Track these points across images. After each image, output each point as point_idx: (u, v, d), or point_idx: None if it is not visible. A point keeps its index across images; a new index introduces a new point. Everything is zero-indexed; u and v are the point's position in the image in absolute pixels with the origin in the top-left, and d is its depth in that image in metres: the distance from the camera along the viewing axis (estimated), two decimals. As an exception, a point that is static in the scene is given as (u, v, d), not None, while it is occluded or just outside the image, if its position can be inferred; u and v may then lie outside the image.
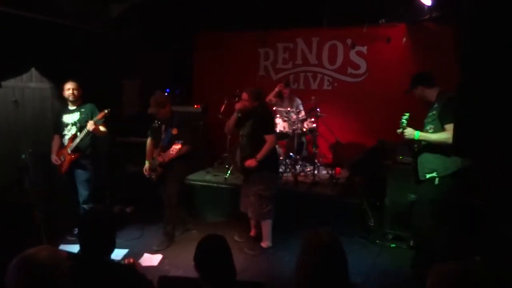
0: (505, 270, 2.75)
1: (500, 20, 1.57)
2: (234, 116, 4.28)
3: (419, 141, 3.45)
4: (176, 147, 4.00)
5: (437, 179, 3.34)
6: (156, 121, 4.45)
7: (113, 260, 2.18)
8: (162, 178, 4.36)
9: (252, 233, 4.63)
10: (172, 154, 4.02)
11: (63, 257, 1.62)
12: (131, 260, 2.29)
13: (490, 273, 1.33)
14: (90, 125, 4.24)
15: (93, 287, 1.90)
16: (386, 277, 3.82)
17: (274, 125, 4.69)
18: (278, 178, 4.82)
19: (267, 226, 4.36)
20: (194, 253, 1.92)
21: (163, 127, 4.38)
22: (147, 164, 4.45)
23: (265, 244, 4.38)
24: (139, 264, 2.34)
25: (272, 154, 4.32)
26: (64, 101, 4.57)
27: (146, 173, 4.44)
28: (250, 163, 4.13)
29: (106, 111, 4.31)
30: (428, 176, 3.39)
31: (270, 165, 4.28)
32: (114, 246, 2.09)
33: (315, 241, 1.76)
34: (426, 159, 3.45)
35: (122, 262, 2.33)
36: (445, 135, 3.19)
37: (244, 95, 4.23)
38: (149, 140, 4.54)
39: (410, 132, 3.38)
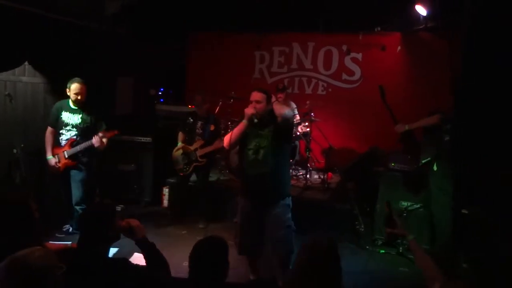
0: (495, 278, 2.79)
1: (498, 32, 1.63)
2: (244, 124, 3.23)
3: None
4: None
5: (435, 165, 3.85)
6: (189, 118, 4.99)
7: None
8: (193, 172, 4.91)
9: (254, 276, 3.63)
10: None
11: (56, 259, 1.58)
12: (124, 223, 2.21)
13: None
14: (97, 142, 4.18)
15: (85, 281, 1.89)
16: (375, 282, 3.84)
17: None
18: None
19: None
20: (191, 251, 1.90)
21: (199, 123, 4.93)
22: (181, 162, 4.87)
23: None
24: (132, 223, 2.25)
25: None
26: (58, 96, 4.50)
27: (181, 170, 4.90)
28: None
29: (116, 131, 4.35)
30: (424, 161, 3.99)
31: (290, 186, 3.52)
32: (112, 240, 2.11)
33: (316, 245, 1.80)
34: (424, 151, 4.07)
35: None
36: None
37: (258, 95, 3.23)
38: (181, 135, 4.98)
39: (399, 126, 4.13)
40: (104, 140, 4.25)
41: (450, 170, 3.84)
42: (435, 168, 3.90)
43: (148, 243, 2.21)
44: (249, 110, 3.21)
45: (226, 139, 3.34)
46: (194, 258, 1.89)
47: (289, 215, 3.31)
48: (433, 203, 4.01)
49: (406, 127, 4.12)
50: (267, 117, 3.25)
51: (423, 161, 4.01)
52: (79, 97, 4.23)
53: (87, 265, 1.94)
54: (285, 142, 3.33)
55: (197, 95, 5.04)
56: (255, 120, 3.22)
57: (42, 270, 1.48)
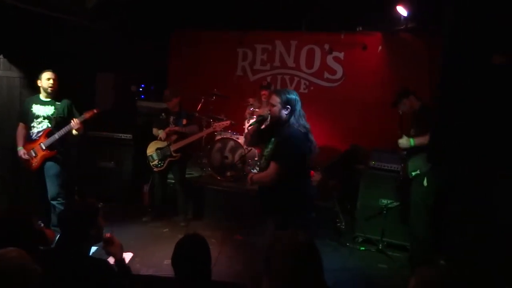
0: (470, 274, 2.87)
1: (478, 34, 1.67)
2: (254, 125, 3.11)
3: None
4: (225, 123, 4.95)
5: (425, 180, 3.67)
6: (162, 114, 4.98)
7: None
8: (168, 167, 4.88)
9: None
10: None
11: (32, 261, 1.57)
12: (108, 235, 2.21)
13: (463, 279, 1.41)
14: (76, 124, 4.06)
15: (66, 280, 1.86)
16: (355, 279, 3.90)
17: (292, 152, 2.91)
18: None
19: None
20: (173, 251, 1.89)
21: (172, 118, 4.90)
22: (155, 158, 4.87)
23: None
24: (114, 239, 2.23)
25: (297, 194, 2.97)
26: (35, 91, 4.35)
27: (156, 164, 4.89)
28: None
29: (95, 110, 4.23)
30: (413, 173, 3.77)
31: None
32: (95, 239, 2.09)
33: (291, 241, 1.76)
34: (412, 160, 3.83)
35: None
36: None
37: (273, 98, 2.91)
38: (155, 131, 4.94)
39: (404, 141, 3.78)
40: (83, 119, 4.14)
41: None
42: (425, 183, 3.69)
43: (124, 266, 2.22)
44: (261, 110, 3.08)
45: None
46: (176, 258, 1.87)
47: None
48: (413, 211, 3.90)
49: (412, 143, 3.73)
50: (277, 124, 2.84)
51: (413, 174, 3.78)
52: (51, 82, 4.10)
53: (69, 264, 1.90)
54: (279, 158, 2.81)
55: (166, 90, 5.04)
56: (256, 123, 3.00)
57: (19, 268, 1.49)
